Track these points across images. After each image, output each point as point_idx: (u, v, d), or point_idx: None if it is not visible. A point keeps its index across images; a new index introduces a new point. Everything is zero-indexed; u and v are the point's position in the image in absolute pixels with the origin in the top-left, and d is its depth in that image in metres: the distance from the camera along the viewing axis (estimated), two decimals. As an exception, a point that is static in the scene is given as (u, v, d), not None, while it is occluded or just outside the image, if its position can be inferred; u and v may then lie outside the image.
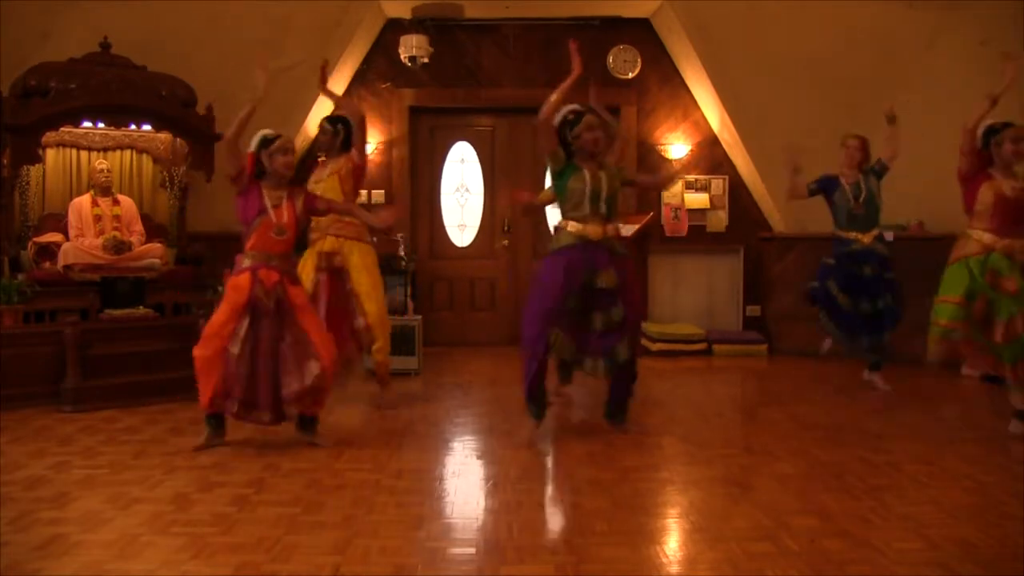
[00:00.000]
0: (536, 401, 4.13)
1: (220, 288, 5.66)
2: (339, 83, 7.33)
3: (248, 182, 3.91)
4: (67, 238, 5.63)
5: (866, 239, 5.21)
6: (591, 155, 4.09)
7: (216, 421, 4.03)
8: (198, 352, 3.90)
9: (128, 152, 6.26)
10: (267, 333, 3.86)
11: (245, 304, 3.84)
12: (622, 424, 4.32)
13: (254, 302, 3.84)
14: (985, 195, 4.23)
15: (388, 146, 7.61)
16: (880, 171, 5.27)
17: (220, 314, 3.89)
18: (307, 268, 4.85)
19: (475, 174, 7.96)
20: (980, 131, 4.33)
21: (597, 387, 5.61)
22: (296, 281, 4.01)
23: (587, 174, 4.04)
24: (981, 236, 4.22)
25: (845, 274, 5.19)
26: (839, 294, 5.20)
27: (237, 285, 3.88)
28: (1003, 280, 4.10)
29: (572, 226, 4.04)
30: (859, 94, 6.86)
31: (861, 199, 5.19)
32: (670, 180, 4.11)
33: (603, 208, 4.04)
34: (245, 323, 3.84)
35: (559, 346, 4.05)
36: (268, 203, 3.88)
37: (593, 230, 4.01)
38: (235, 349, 3.82)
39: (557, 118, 4.10)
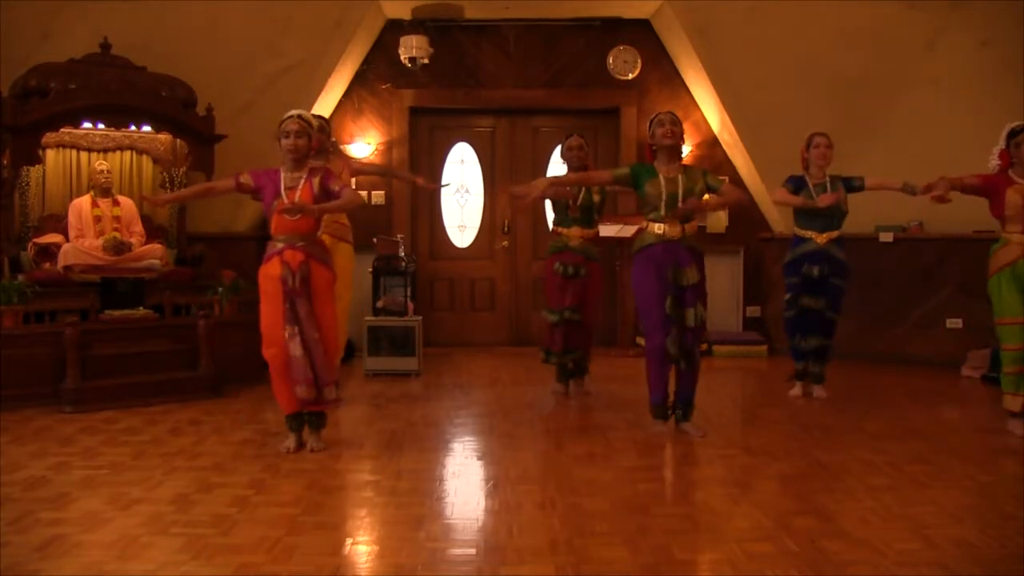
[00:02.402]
0: (663, 406, 4.31)
1: (220, 288, 5.70)
2: (339, 84, 7.33)
3: (257, 181, 3.98)
4: (67, 239, 5.63)
5: (821, 239, 5.13)
6: (668, 153, 4.22)
7: (297, 422, 4.03)
8: (266, 353, 3.95)
9: (128, 153, 6.26)
10: (304, 311, 3.86)
11: (281, 290, 3.87)
12: (688, 422, 4.36)
13: (283, 283, 3.86)
14: (1013, 198, 4.27)
15: (388, 146, 7.61)
16: (857, 187, 5.10)
17: (265, 308, 3.94)
18: None
19: (475, 175, 7.95)
20: (1004, 132, 4.37)
21: (594, 389, 5.61)
22: (324, 263, 3.97)
23: (662, 179, 4.17)
24: (1021, 239, 4.22)
25: (804, 280, 5.10)
26: (809, 300, 5.12)
27: (267, 273, 3.93)
28: None
29: (652, 227, 4.20)
30: (859, 94, 6.86)
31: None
32: (737, 202, 4.37)
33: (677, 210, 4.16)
34: (289, 308, 3.87)
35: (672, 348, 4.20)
36: (283, 186, 3.92)
37: (671, 231, 4.17)
38: (291, 338, 3.84)
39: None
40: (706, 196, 4.26)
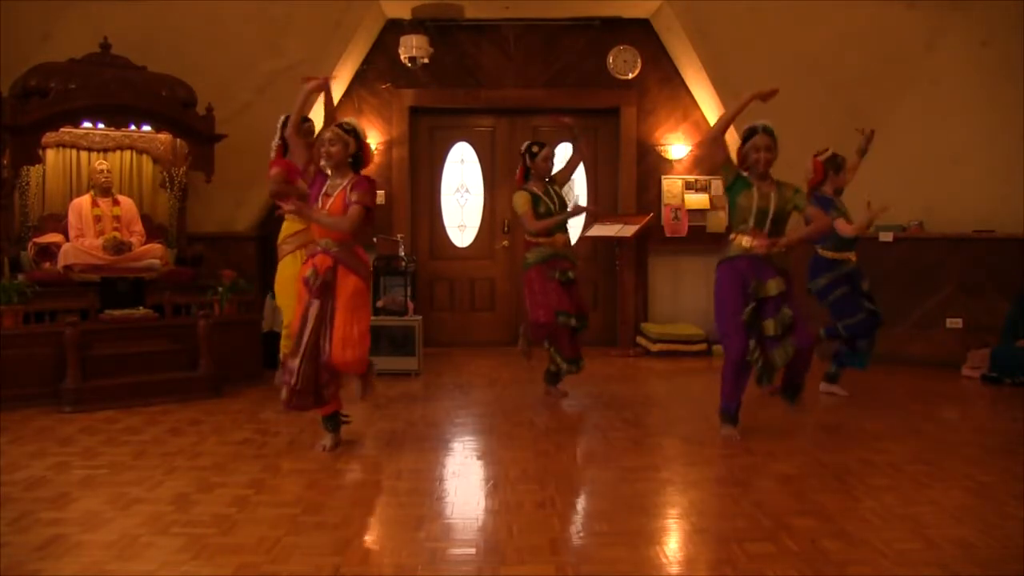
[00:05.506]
0: (735, 412, 4.28)
1: (220, 288, 5.70)
2: (339, 83, 7.33)
3: (315, 171, 4.06)
4: (67, 239, 5.62)
5: (854, 257, 5.15)
6: (760, 174, 4.18)
7: (332, 422, 4.06)
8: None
9: (128, 152, 6.26)
10: (314, 314, 3.87)
11: (307, 292, 3.93)
12: (797, 403, 4.36)
13: (306, 285, 3.90)
14: None
15: (388, 146, 7.61)
16: (836, 194, 5.15)
17: (297, 309, 3.98)
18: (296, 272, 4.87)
19: (475, 174, 7.96)
20: None
21: (594, 389, 5.61)
22: (355, 271, 3.95)
23: (755, 192, 4.14)
24: None
25: (856, 291, 5.11)
26: (869, 310, 5.12)
27: (302, 275, 4.00)
28: None
29: (740, 239, 4.18)
30: (859, 94, 6.86)
31: (846, 219, 5.12)
32: (820, 232, 4.39)
33: (768, 226, 4.13)
34: (304, 310, 3.92)
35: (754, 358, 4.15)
36: (323, 191, 3.97)
37: (758, 246, 4.12)
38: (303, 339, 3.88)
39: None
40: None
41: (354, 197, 3.89)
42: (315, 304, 3.87)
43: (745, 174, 4.21)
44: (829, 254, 5.17)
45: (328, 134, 3.97)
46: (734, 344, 4.15)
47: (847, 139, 5.46)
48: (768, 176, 4.20)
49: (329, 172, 4.01)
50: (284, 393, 3.92)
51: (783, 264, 4.20)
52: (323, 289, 3.87)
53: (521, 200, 5.09)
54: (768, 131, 4.17)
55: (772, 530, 2.92)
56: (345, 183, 3.95)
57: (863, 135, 5.33)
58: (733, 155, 4.32)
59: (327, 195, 3.95)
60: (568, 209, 5.20)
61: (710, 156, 4.23)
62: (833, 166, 5.13)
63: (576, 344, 5.21)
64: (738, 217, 4.19)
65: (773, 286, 4.09)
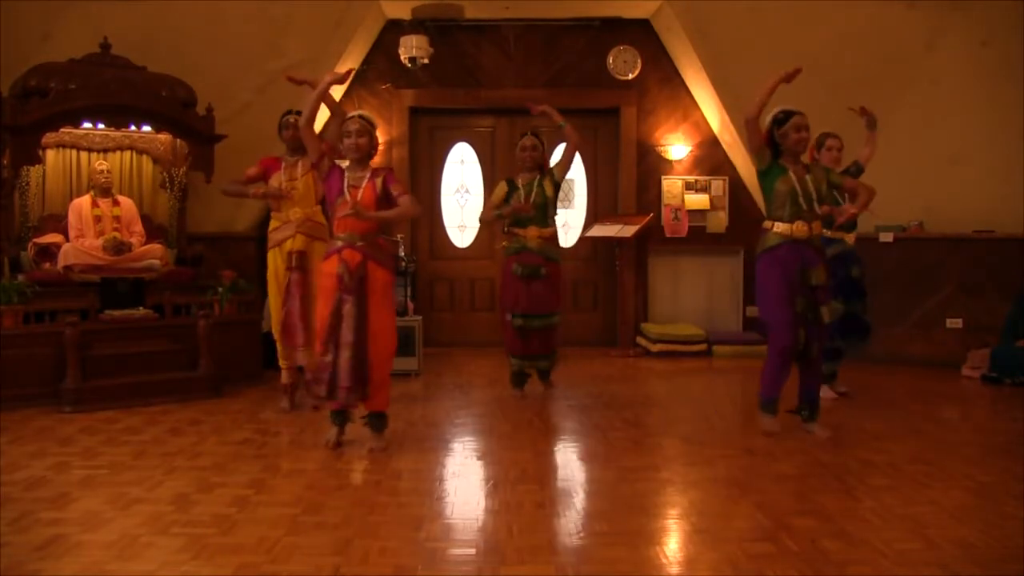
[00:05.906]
0: (777, 401, 4.30)
1: (220, 288, 5.70)
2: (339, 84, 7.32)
3: (330, 165, 4.00)
4: (67, 239, 5.62)
5: (851, 239, 5.15)
6: (797, 156, 4.17)
7: (339, 417, 4.07)
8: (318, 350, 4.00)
9: (128, 153, 6.26)
10: (347, 311, 3.84)
11: (336, 288, 3.88)
12: (813, 423, 4.33)
13: (339, 281, 3.86)
14: None
15: (388, 147, 7.61)
16: (856, 173, 5.12)
17: (320, 306, 3.96)
18: (280, 266, 4.87)
19: (475, 175, 7.96)
20: None
21: (594, 389, 5.61)
22: (383, 265, 3.97)
23: (793, 176, 4.13)
24: None
25: (842, 282, 5.06)
26: (850, 305, 5.07)
27: (325, 271, 3.96)
28: None
29: (778, 226, 4.17)
30: (859, 94, 6.83)
31: (846, 200, 5.11)
32: (870, 200, 4.38)
33: (809, 209, 4.13)
34: (335, 307, 3.88)
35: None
36: (347, 184, 3.94)
37: (799, 229, 4.12)
38: (327, 339, 3.86)
39: (766, 118, 4.17)
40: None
41: (398, 189, 3.96)
42: (350, 300, 3.83)
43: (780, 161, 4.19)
44: (825, 231, 5.16)
45: (355, 126, 3.93)
46: (782, 335, 4.13)
47: (848, 139, 5.45)
48: (799, 159, 4.20)
49: (346, 164, 3.99)
50: (322, 391, 3.87)
51: (821, 245, 4.22)
52: (358, 286, 3.85)
53: (496, 188, 5.18)
54: (804, 115, 4.16)
55: (772, 530, 2.92)
56: (369, 175, 3.95)
57: (858, 113, 5.32)
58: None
59: (354, 187, 3.92)
60: (547, 209, 5.20)
61: (748, 140, 4.19)
62: (815, 145, 5.12)
63: (549, 340, 5.22)
64: (776, 203, 4.17)
65: (820, 273, 4.12)
